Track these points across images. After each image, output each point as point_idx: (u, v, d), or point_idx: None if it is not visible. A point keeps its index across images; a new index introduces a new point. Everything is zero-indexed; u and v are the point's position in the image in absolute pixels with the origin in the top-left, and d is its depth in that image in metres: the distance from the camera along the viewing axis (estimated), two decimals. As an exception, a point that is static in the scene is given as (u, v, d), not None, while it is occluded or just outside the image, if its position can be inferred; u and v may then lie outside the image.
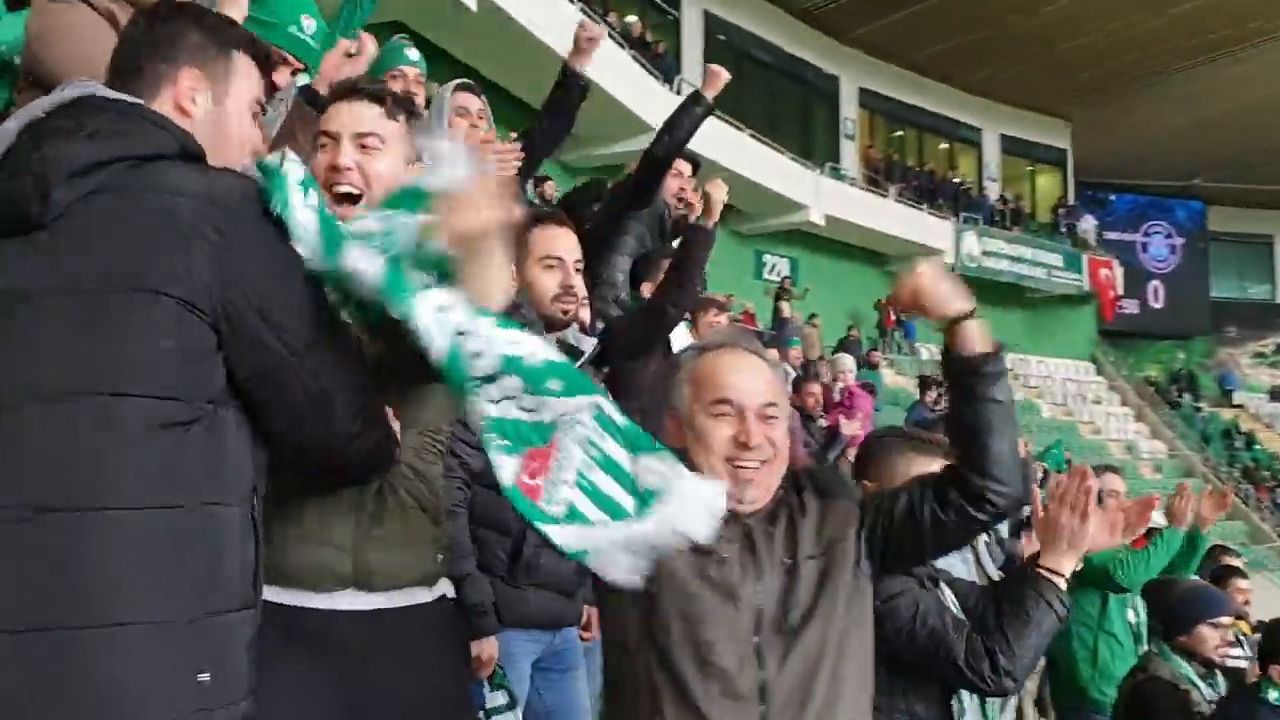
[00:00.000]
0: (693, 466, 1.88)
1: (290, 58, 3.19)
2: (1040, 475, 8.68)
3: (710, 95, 4.30)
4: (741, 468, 1.92)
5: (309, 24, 3.27)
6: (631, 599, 1.82)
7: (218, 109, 1.72)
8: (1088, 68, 25.14)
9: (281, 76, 3.18)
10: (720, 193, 4.01)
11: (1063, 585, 2.23)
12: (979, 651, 2.25)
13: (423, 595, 1.99)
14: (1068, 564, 2.23)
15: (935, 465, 2.49)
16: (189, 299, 1.46)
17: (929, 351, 24.04)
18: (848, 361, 8.87)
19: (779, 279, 21.34)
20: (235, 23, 1.80)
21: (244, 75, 1.77)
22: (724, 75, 4.48)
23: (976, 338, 1.99)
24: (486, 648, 2.64)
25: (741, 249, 21.82)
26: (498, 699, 2.69)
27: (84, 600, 1.34)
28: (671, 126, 4.20)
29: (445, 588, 2.09)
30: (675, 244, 4.32)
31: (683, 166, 4.58)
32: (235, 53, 1.76)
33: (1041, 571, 2.22)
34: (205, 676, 1.40)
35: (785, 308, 17.89)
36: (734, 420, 1.93)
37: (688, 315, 4.36)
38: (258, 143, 1.79)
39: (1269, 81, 24.71)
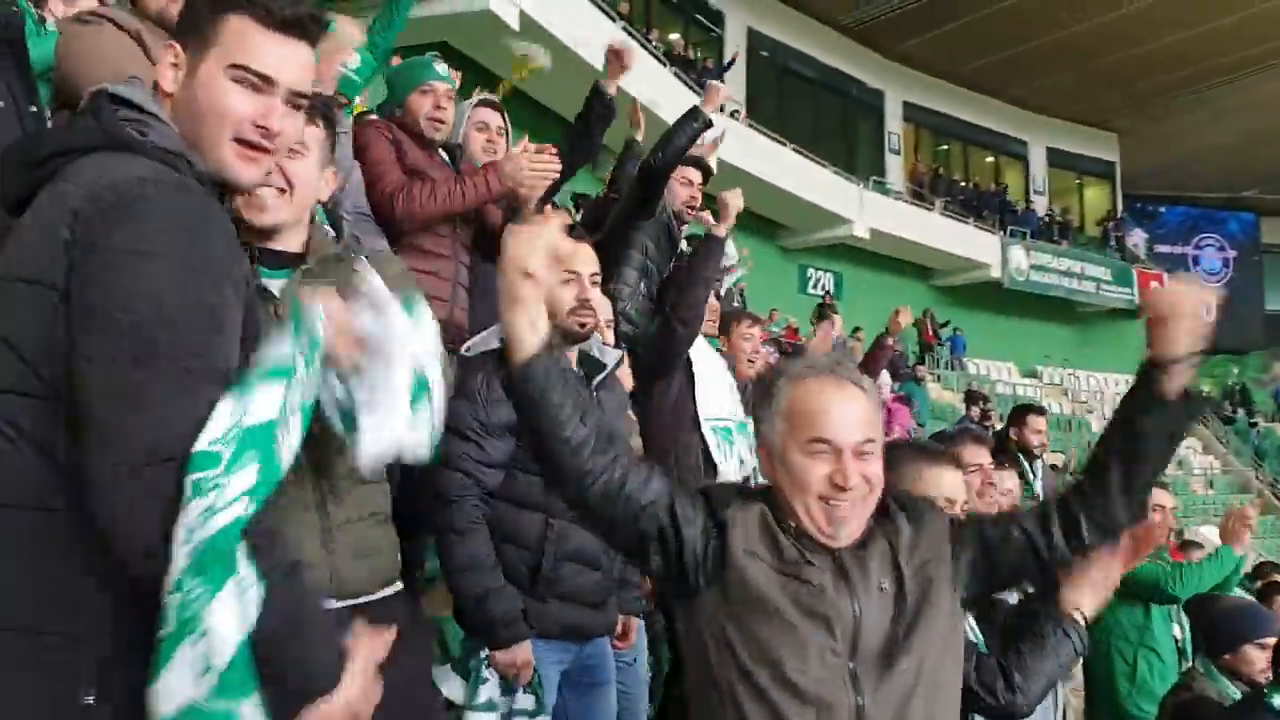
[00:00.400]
0: (784, 500, 1.90)
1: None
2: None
3: (709, 110, 4.34)
4: (836, 505, 1.86)
5: (352, 60, 3.28)
6: (714, 623, 1.84)
7: (188, 81, 1.57)
8: (1135, 80, 24.90)
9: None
10: (736, 200, 4.06)
11: (1082, 622, 2.23)
12: (993, 670, 2.26)
13: (387, 591, 2.14)
14: (1090, 604, 2.23)
15: (946, 477, 2.52)
16: (56, 285, 1.39)
17: (976, 366, 23.86)
18: (883, 375, 8.81)
19: (823, 293, 21.29)
20: None
21: (232, 41, 1.56)
22: (723, 91, 4.57)
23: (1187, 378, 1.91)
24: (520, 654, 2.67)
25: (785, 264, 21.79)
26: (525, 702, 2.71)
27: None
28: (668, 140, 4.25)
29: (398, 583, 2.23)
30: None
31: (692, 175, 4.61)
32: (229, 16, 1.57)
33: (1064, 606, 2.23)
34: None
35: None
36: (830, 459, 1.86)
37: (717, 328, 4.37)
38: (241, 123, 1.57)
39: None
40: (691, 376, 3.94)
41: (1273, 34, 22.60)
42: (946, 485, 2.50)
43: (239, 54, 1.56)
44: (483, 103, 4.06)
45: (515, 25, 13.76)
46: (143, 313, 1.35)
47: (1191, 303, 1.88)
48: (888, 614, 1.85)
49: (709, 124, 4.36)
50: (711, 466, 3.64)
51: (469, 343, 2.95)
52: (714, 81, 4.68)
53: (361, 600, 2.08)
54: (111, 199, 1.39)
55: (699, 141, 4.37)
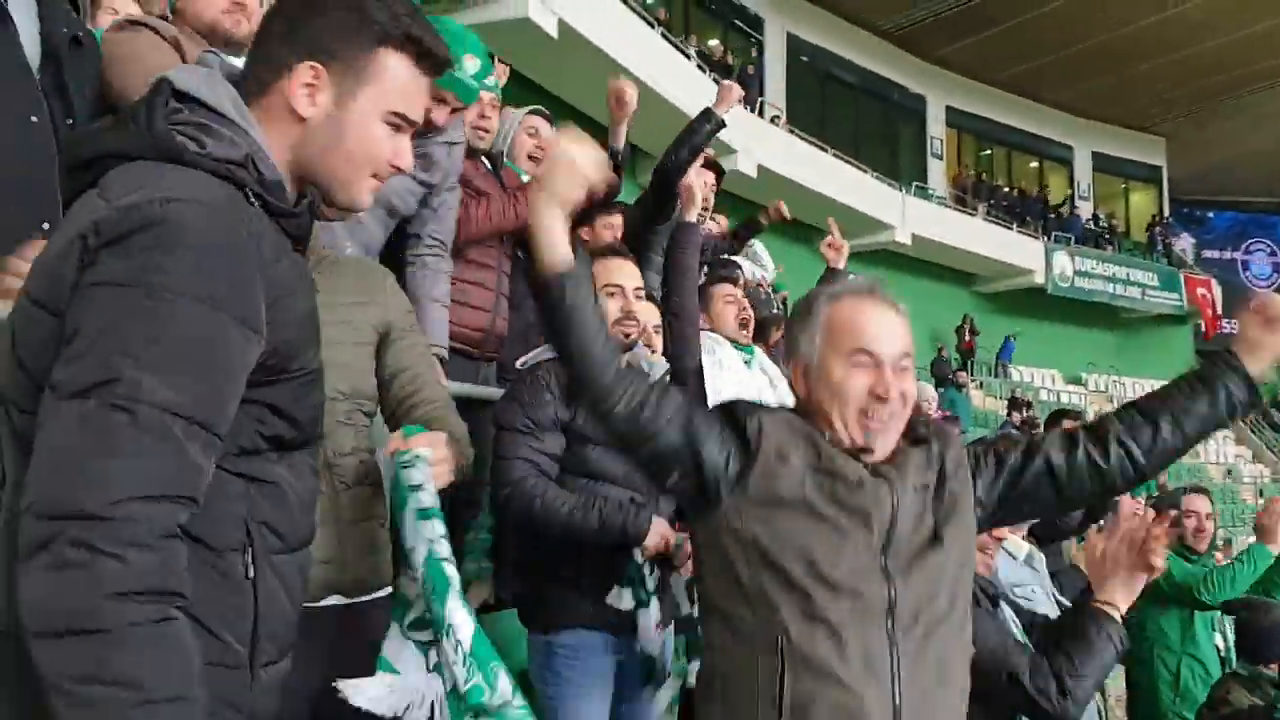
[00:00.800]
0: (817, 414, 1.93)
1: (449, 96, 3.22)
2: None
3: (722, 111, 4.37)
4: (873, 417, 1.89)
5: (471, 64, 3.29)
6: (740, 528, 1.85)
7: (336, 112, 1.45)
8: (1182, 84, 24.65)
9: (441, 114, 3.21)
10: (698, 182, 4.09)
11: (1118, 619, 2.22)
12: (1046, 673, 2.26)
13: (383, 592, 2.14)
14: (1123, 600, 2.22)
15: None
16: (60, 311, 1.28)
17: (1019, 373, 23.65)
18: (927, 391, 8.67)
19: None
20: (401, 8, 1.50)
21: (386, 81, 1.48)
22: (736, 91, 4.59)
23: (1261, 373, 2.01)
24: (659, 528, 2.76)
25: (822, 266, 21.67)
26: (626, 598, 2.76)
27: None
28: (681, 142, 4.27)
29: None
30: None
31: (706, 175, 4.68)
32: (389, 52, 1.47)
33: (1098, 606, 2.23)
34: None
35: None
36: (870, 371, 1.90)
37: (751, 335, 4.38)
38: (382, 163, 1.51)
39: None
40: (703, 388, 3.93)
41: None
42: None
43: (398, 101, 1.49)
44: (534, 112, 4.11)
45: (554, 33, 13.84)
46: (119, 348, 1.21)
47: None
48: (921, 512, 1.88)
49: (722, 124, 4.40)
50: None
51: (524, 359, 2.99)
52: (727, 81, 4.72)
53: (364, 599, 2.13)
54: (125, 223, 1.25)
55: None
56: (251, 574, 1.39)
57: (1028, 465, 2.01)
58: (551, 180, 1.81)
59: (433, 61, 1.53)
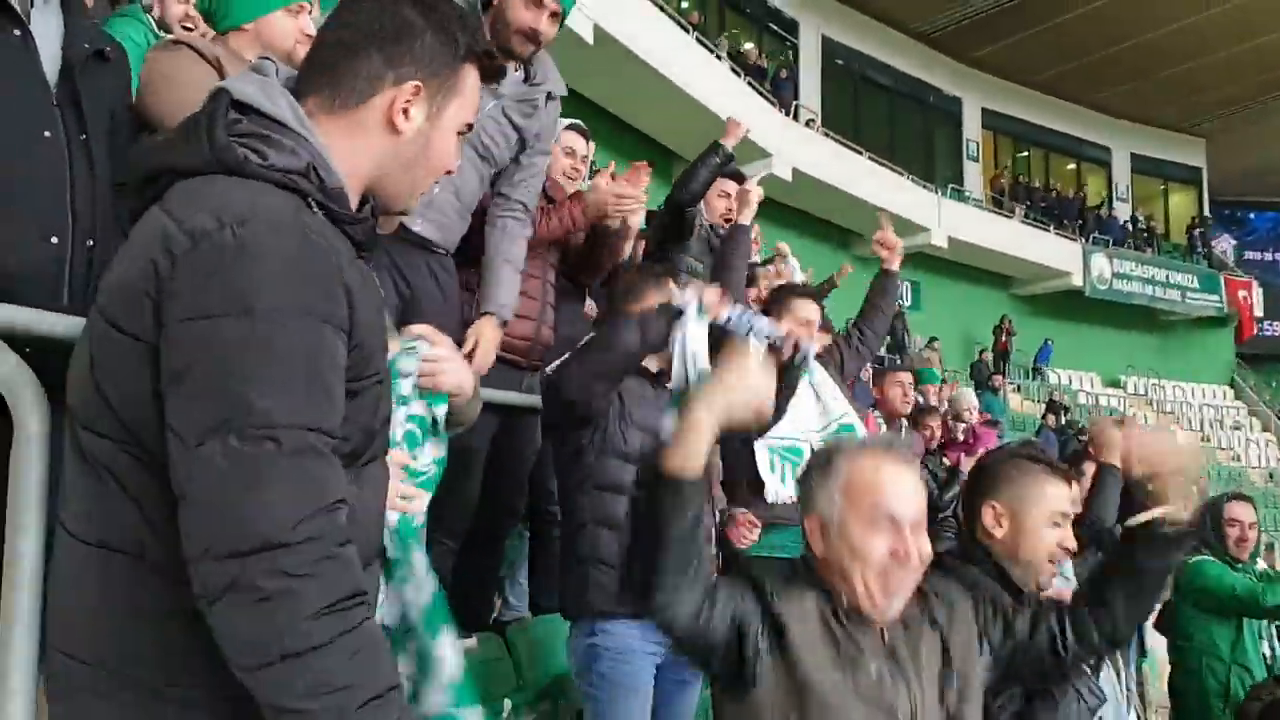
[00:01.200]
0: (835, 572, 1.96)
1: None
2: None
3: (730, 143, 4.57)
4: (891, 579, 1.92)
5: None
6: (776, 703, 1.88)
7: (429, 128, 1.52)
8: (1222, 84, 24.37)
9: (543, 20, 3.18)
10: (756, 191, 4.38)
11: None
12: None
13: None
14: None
15: (1062, 491, 2.51)
16: (142, 336, 1.30)
17: (1057, 376, 23.45)
18: (969, 398, 8.54)
19: (900, 302, 21.08)
20: (473, 23, 1.58)
21: (466, 94, 1.56)
22: (743, 127, 4.76)
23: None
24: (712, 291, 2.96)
25: (863, 273, 21.54)
26: None
27: None
28: (691, 175, 4.50)
29: None
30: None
31: (729, 187, 4.84)
32: (466, 66, 1.55)
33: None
34: None
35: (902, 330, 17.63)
36: (891, 532, 1.93)
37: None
38: (452, 165, 1.59)
39: None
40: None
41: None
42: (1060, 500, 2.48)
43: (470, 112, 1.58)
44: (571, 127, 4.15)
45: (589, 38, 13.90)
46: (237, 378, 1.24)
47: (1178, 461, 2.15)
48: (939, 699, 1.95)
49: (730, 158, 4.57)
50: (758, 484, 3.67)
51: (553, 366, 3.07)
52: (732, 117, 4.85)
53: None
54: (201, 252, 1.27)
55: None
56: None
57: (1035, 637, 2.16)
58: (726, 395, 1.85)
59: (495, 73, 1.61)
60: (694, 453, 1.83)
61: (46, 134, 2.18)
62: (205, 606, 1.22)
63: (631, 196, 3.70)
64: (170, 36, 3.01)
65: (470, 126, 1.60)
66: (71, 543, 1.37)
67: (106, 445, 1.33)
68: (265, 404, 1.23)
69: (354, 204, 1.50)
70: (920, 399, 7.57)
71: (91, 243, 2.21)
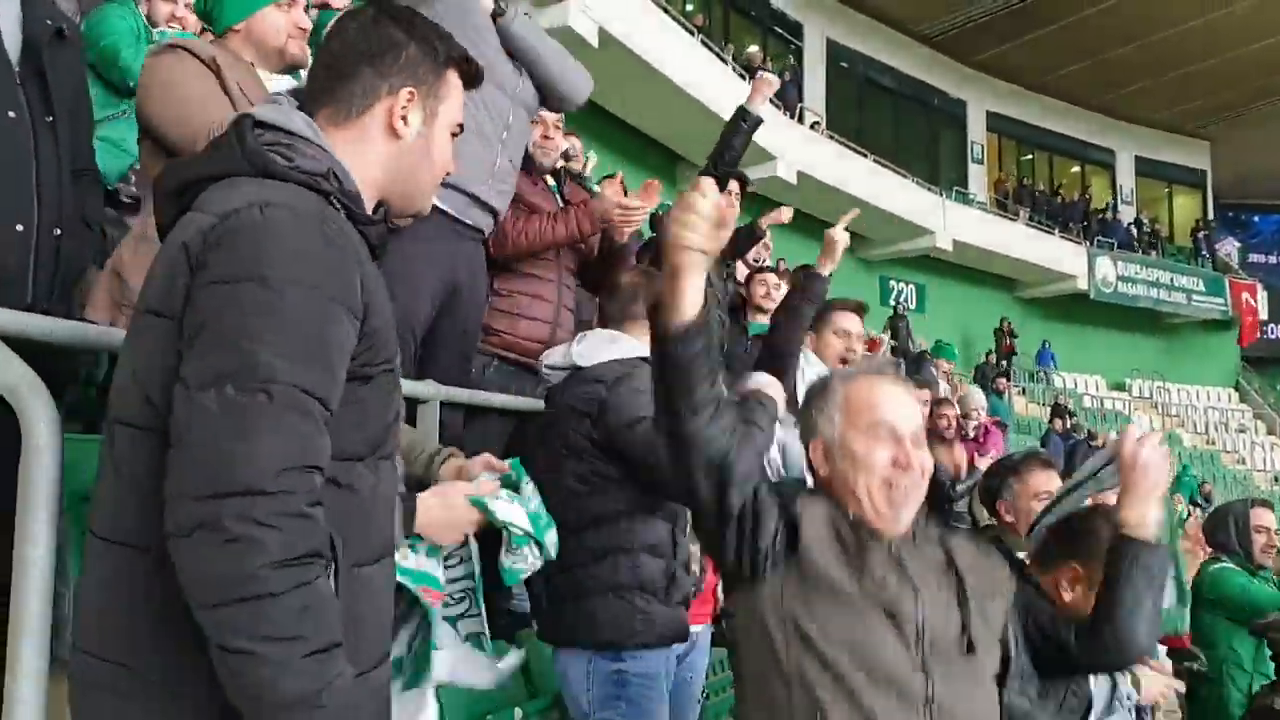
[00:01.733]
0: (841, 490, 1.99)
1: None
2: (1178, 507, 8.34)
3: (757, 104, 4.40)
4: (895, 489, 1.96)
5: None
6: (782, 609, 1.89)
7: (426, 131, 1.66)
8: (1226, 87, 24.32)
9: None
10: (843, 239, 4.07)
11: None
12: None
13: None
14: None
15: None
16: (174, 315, 1.41)
17: (1061, 379, 23.41)
18: (978, 397, 8.59)
19: (902, 305, 21.06)
20: (448, 35, 1.73)
21: (453, 96, 1.71)
22: (771, 82, 4.57)
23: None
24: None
25: (867, 275, 21.60)
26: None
27: None
28: (725, 146, 4.42)
29: None
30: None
31: (731, 186, 4.73)
32: (449, 71, 1.70)
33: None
34: None
35: (904, 332, 17.58)
36: (891, 442, 1.98)
37: None
38: (451, 163, 1.73)
39: None
40: None
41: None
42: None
43: (458, 113, 1.73)
44: None
45: (594, 42, 13.88)
46: (246, 336, 1.33)
47: (1159, 471, 2.28)
48: (950, 618, 1.93)
49: (759, 121, 4.41)
50: None
51: (551, 360, 3.07)
52: (763, 72, 4.70)
53: None
54: (228, 226, 1.39)
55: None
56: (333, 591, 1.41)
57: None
58: (691, 233, 1.81)
59: (474, 77, 1.78)
60: (692, 299, 1.83)
61: (11, 114, 2.16)
62: (173, 542, 1.29)
63: (637, 209, 3.70)
64: (167, 41, 3.01)
65: (461, 127, 1.74)
66: (92, 541, 1.45)
67: (128, 434, 1.41)
68: (268, 361, 1.32)
69: (369, 210, 1.62)
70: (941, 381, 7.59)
71: (59, 232, 2.19)
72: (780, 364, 3.83)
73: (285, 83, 2.75)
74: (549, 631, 2.94)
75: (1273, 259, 29.81)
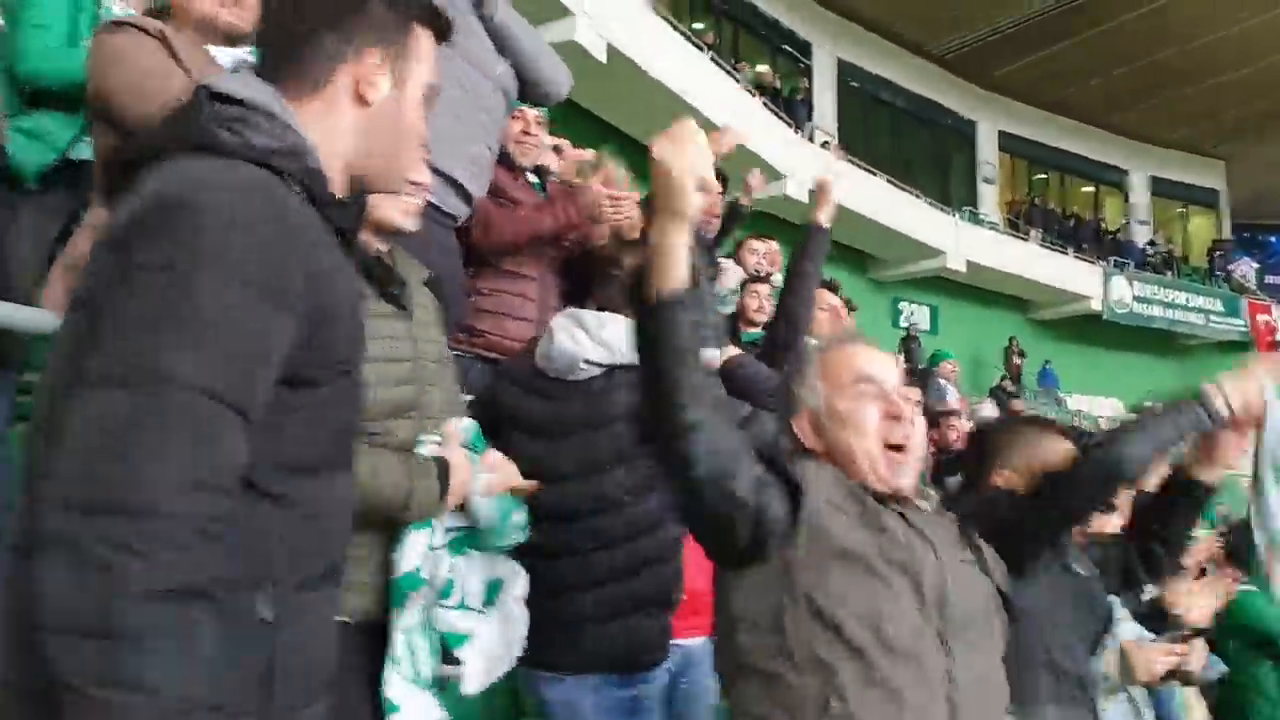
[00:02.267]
0: (840, 455, 1.91)
1: None
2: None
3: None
4: (897, 447, 1.90)
5: None
6: (792, 584, 1.74)
7: (396, 95, 1.51)
8: (1240, 105, 24.19)
9: None
10: (831, 185, 3.97)
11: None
12: None
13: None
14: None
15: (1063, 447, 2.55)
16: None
17: (1076, 402, 23.18)
18: (991, 410, 8.45)
19: (912, 327, 20.87)
20: None
21: (424, 55, 1.56)
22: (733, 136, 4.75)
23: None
24: None
25: (877, 297, 21.45)
26: None
27: None
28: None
29: None
30: None
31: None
32: (420, 28, 1.55)
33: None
34: None
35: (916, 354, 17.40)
36: (879, 396, 1.93)
37: None
38: (424, 131, 1.58)
39: None
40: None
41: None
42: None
43: (431, 73, 1.57)
44: None
45: (602, 58, 13.79)
46: (147, 331, 1.16)
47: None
48: (974, 588, 1.85)
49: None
50: None
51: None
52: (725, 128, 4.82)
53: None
54: (152, 208, 1.24)
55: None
56: (269, 616, 1.25)
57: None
58: (672, 195, 1.65)
59: (445, 30, 1.61)
60: (677, 264, 1.67)
61: None
62: (33, 550, 1.10)
63: (626, 200, 3.52)
64: (112, 18, 2.91)
65: (435, 89, 1.58)
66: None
67: (31, 435, 1.27)
68: (169, 361, 1.15)
69: (340, 191, 1.48)
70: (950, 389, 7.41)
71: None
72: (792, 333, 3.82)
73: (233, 55, 2.60)
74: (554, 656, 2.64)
75: (1291, 280, 29.56)
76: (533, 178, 3.80)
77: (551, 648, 2.60)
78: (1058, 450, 2.47)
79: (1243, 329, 26.33)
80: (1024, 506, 2.16)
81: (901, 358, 14.77)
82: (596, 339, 2.66)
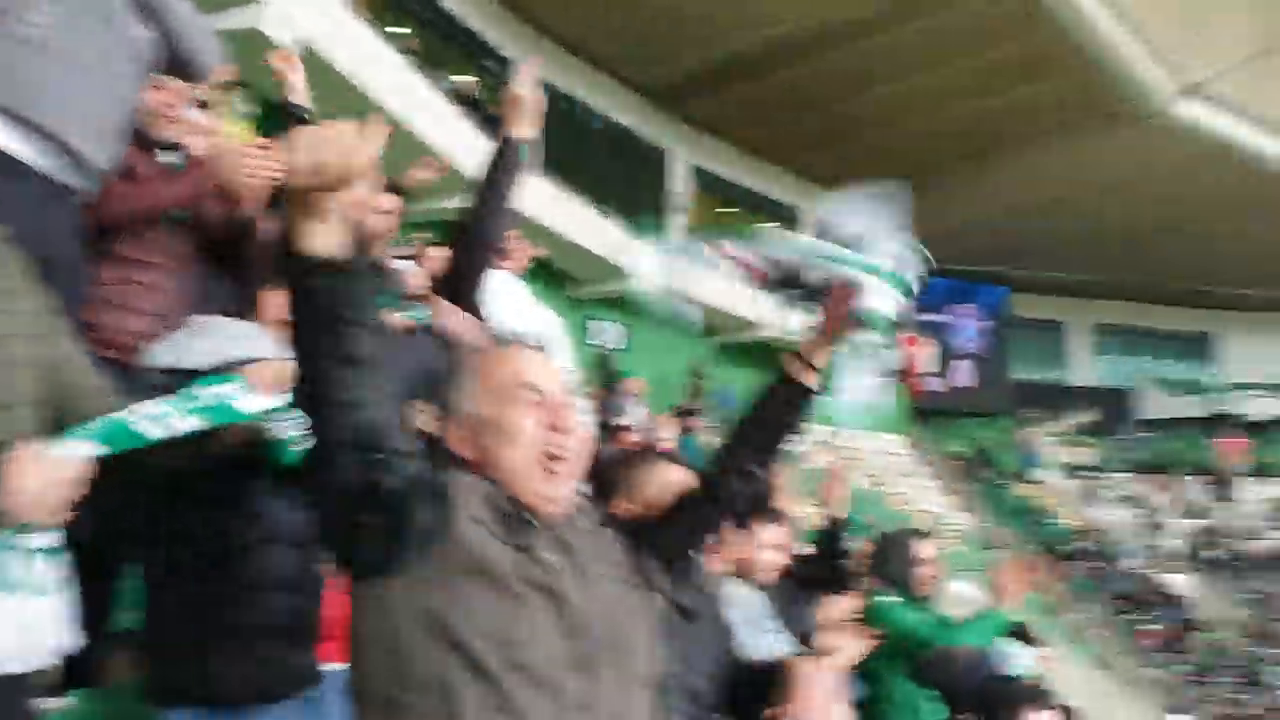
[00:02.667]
0: (495, 467, 1.78)
1: None
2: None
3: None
4: (555, 459, 1.78)
5: None
6: (423, 600, 1.63)
7: None
8: (916, 153, 26.17)
9: None
10: (533, 100, 3.60)
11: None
12: None
13: None
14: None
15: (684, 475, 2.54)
16: None
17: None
18: (669, 426, 8.72)
19: (606, 345, 21.31)
20: None
21: None
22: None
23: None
24: None
25: (573, 314, 21.71)
26: None
27: None
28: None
29: None
30: None
31: (385, 201, 3.92)
32: None
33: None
34: None
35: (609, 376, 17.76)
36: (541, 406, 1.81)
37: None
38: None
39: (1064, 173, 26.38)
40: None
41: (1024, 120, 24.55)
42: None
43: None
44: None
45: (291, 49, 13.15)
46: None
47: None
48: (623, 607, 1.80)
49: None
50: None
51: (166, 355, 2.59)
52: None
53: None
54: None
55: None
56: None
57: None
58: (320, 167, 1.52)
59: None
60: (321, 236, 1.54)
61: None
62: None
63: (265, 155, 3.13)
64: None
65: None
66: None
67: None
68: None
69: None
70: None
71: None
72: (475, 257, 3.52)
73: None
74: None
75: (940, 317, 32.35)
76: (172, 157, 3.32)
77: (181, 676, 2.45)
78: (672, 478, 2.53)
79: (898, 360, 28.49)
80: (655, 529, 2.11)
81: (593, 374, 15.01)
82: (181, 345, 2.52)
